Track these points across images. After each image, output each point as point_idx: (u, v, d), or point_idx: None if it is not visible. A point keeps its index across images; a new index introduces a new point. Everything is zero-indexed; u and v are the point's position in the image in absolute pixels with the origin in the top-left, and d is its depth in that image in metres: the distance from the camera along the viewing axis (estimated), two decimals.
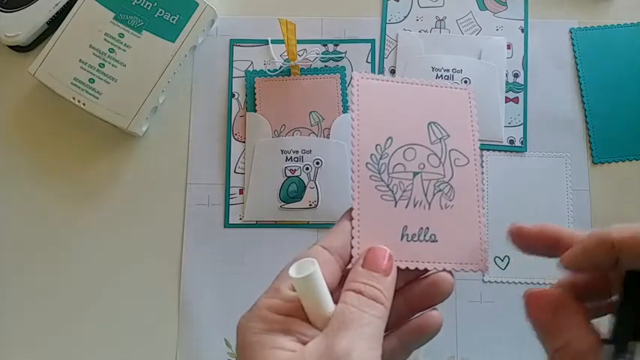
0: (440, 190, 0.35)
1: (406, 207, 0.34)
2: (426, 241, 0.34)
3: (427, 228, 0.34)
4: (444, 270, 0.32)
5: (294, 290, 0.27)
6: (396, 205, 0.34)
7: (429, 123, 0.36)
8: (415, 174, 0.35)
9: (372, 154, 0.34)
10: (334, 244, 0.30)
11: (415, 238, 0.34)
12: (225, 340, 0.52)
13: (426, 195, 0.35)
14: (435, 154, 0.35)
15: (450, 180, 0.34)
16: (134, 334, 0.52)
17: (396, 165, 0.35)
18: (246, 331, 0.27)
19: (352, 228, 0.32)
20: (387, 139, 0.35)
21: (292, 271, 0.27)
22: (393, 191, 0.35)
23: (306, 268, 0.26)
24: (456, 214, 0.33)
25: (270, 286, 0.29)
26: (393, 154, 0.35)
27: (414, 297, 0.32)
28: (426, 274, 0.32)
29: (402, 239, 0.33)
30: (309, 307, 0.27)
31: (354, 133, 0.34)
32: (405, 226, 0.34)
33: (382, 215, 0.34)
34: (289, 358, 0.25)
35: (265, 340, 0.26)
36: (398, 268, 0.31)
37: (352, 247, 0.31)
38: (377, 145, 0.35)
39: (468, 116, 0.37)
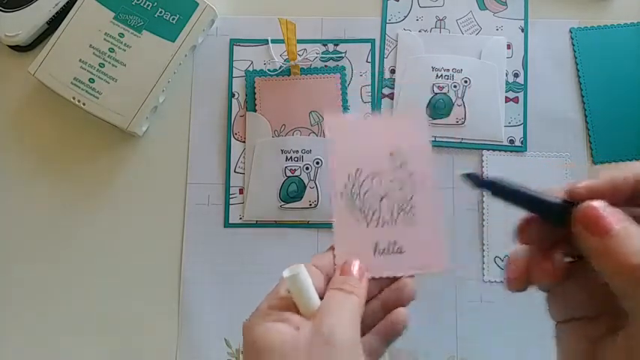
0: (402, 210, 0.42)
1: (376, 226, 0.41)
2: (394, 252, 0.41)
3: (395, 242, 0.41)
4: (411, 275, 0.39)
5: (289, 292, 0.34)
6: (367, 226, 0.41)
7: (391, 151, 0.42)
8: (382, 198, 0.41)
9: (345, 184, 0.41)
10: (322, 263, 0.36)
11: (385, 252, 0.41)
12: (226, 340, 0.52)
13: (392, 214, 0.42)
14: (398, 179, 0.42)
15: (410, 199, 0.40)
16: (134, 334, 0.52)
17: (365, 192, 0.42)
18: (248, 325, 0.33)
19: (333, 248, 0.39)
20: (357, 170, 0.42)
21: (285, 272, 0.34)
22: (365, 214, 0.41)
23: (295, 270, 0.33)
24: (418, 228, 0.40)
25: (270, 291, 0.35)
26: (362, 183, 0.42)
27: (387, 301, 0.38)
28: (397, 279, 0.39)
29: (374, 254, 0.40)
30: (299, 301, 0.33)
31: (330, 167, 0.41)
32: (377, 242, 0.41)
33: (357, 235, 0.41)
34: (285, 338, 0.31)
35: (265, 326, 0.32)
36: (373, 277, 0.38)
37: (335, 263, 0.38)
38: (349, 175, 0.41)
39: (425, 139, 0.43)
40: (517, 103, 0.56)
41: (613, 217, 0.26)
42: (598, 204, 0.27)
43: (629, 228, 0.26)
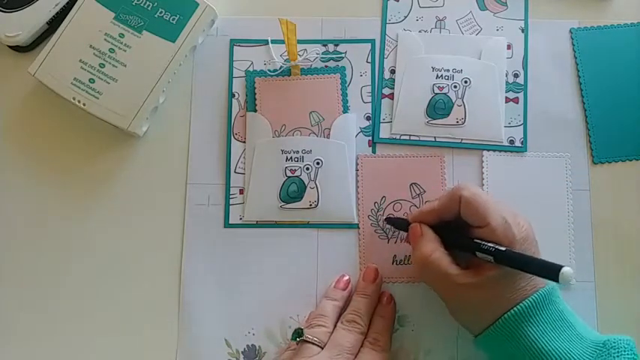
0: None
1: (395, 242, 0.53)
2: (408, 264, 0.52)
3: (409, 256, 0.52)
4: (419, 282, 0.51)
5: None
6: (388, 242, 0.53)
7: (411, 184, 0.53)
8: None
9: (371, 209, 0.53)
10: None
11: (401, 263, 0.52)
12: (225, 340, 0.52)
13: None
14: (415, 206, 0.53)
15: None
16: (134, 334, 0.52)
17: (388, 215, 0.53)
18: None
19: (360, 257, 0.52)
20: (382, 197, 0.53)
21: None
22: (386, 233, 0.53)
23: None
24: None
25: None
26: (385, 208, 0.53)
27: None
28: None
29: (392, 264, 0.52)
30: None
31: (359, 196, 0.53)
32: (395, 255, 0.53)
33: (379, 249, 0.52)
34: None
35: None
36: (390, 282, 0.52)
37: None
38: (375, 202, 0.53)
39: (439, 175, 0.54)
40: (517, 103, 0.56)
41: (420, 232, 0.47)
42: (414, 225, 0.48)
43: (427, 235, 0.47)
